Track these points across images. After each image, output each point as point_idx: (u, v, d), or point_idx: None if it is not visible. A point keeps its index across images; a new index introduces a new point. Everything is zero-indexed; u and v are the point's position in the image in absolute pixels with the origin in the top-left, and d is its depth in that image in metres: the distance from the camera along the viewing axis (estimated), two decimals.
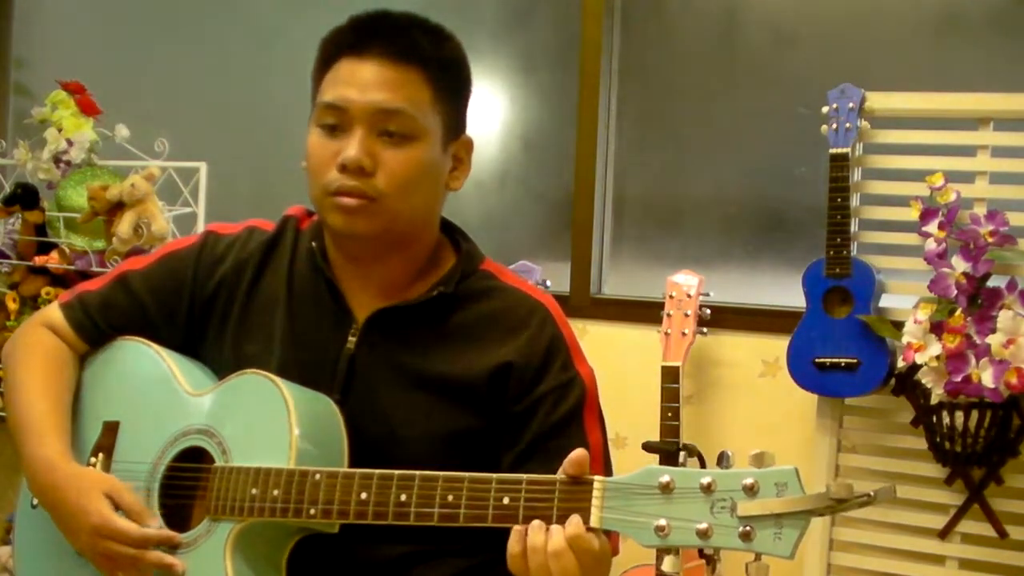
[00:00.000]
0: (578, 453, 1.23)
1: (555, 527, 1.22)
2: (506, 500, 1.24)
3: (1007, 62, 2.71)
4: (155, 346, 1.57)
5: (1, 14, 3.82)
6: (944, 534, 2.51)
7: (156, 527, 1.41)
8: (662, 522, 1.16)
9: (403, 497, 1.29)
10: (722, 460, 1.19)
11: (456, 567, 1.48)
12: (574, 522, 1.21)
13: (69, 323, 1.60)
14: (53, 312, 1.62)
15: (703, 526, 1.14)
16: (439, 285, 1.49)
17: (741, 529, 1.12)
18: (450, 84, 1.48)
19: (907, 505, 2.55)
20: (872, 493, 1.10)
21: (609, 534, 1.41)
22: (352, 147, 1.40)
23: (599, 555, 1.23)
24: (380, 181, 1.41)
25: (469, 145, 1.54)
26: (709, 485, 1.14)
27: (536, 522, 1.23)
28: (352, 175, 1.41)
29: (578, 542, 1.21)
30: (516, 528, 1.23)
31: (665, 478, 1.17)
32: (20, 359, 1.59)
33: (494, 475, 1.26)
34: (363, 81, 1.42)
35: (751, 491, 1.12)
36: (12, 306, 2.95)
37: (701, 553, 2.68)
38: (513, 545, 1.23)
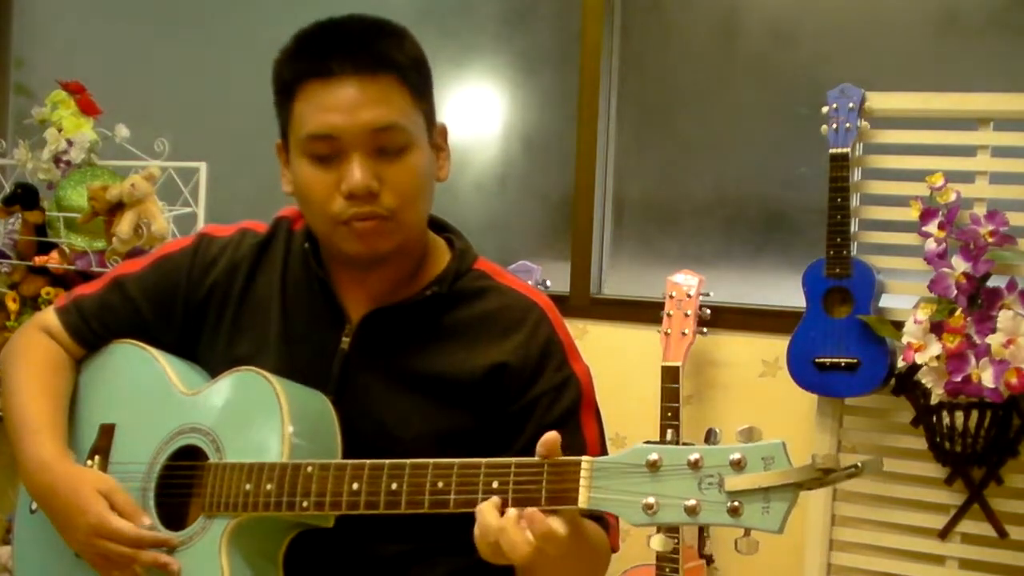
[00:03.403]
0: (548, 435, 1.21)
1: (511, 509, 1.20)
2: (495, 484, 1.23)
3: (1007, 62, 2.71)
4: (150, 348, 1.56)
5: (1, 14, 3.83)
6: (944, 534, 2.51)
7: (148, 526, 1.40)
8: (650, 500, 1.15)
9: (394, 486, 1.28)
10: (710, 437, 1.19)
11: (453, 566, 1.47)
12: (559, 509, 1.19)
13: (65, 328, 1.60)
14: (49, 317, 1.62)
15: (691, 503, 1.13)
16: (433, 285, 1.49)
17: (729, 504, 1.11)
18: (422, 81, 1.46)
19: (907, 505, 2.55)
20: (859, 464, 1.09)
21: (609, 532, 1.41)
22: (355, 173, 1.37)
23: (564, 541, 1.20)
24: (388, 198, 1.40)
25: (444, 132, 1.52)
26: (696, 461, 1.14)
27: (492, 499, 1.21)
28: (362, 201, 1.39)
29: (535, 524, 1.18)
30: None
31: (653, 456, 1.16)
32: (17, 363, 1.59)
33: (483, 459, 1.25)
34: (346, 103, 1.38)
35: (738, 466, 1.12)
36: (12, 306, 2.95)
37: (701, 553, 2.68)
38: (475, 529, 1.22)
